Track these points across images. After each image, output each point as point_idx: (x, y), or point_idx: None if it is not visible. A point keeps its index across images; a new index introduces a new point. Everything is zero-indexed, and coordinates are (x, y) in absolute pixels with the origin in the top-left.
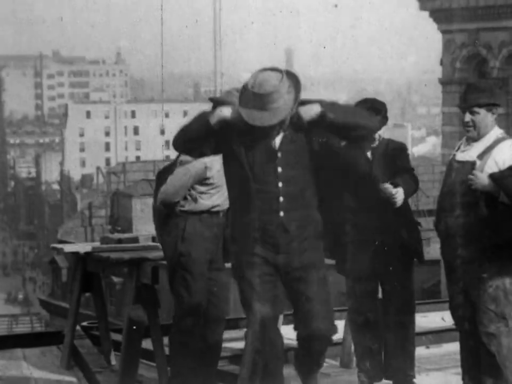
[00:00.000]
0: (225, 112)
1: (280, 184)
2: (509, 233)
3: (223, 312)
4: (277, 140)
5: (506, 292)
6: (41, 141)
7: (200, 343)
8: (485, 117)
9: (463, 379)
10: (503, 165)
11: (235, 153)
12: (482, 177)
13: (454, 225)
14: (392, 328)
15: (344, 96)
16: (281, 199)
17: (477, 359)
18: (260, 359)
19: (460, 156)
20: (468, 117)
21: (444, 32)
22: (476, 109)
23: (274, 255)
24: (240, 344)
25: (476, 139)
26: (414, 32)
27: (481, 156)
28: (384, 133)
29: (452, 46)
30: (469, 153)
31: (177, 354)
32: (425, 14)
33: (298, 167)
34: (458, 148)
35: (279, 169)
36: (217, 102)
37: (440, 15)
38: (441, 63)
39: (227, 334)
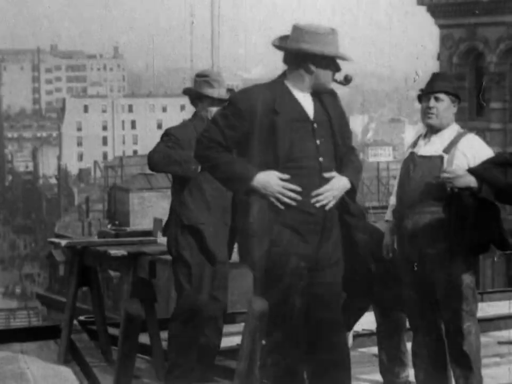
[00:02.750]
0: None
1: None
2: (492, 232)
3: (223, 305)
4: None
5: (474, 290)
6: (38, 135)
7: (199, 336)
8: (448, 106)
9: (416, 376)
10: (473, 158)
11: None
12: (461, 173)
13: (421, 223)
14: None
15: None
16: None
17: (435, 356)
18: (257, 354)
19: (424, 151)
20: (432, 103)
21: (441, 26)
22: (442, 96)
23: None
24: (237, 339)
25: (435, 128)
26: (411, 26)
27: (447, 149)
28: None
29: (449, 41)
30: (433, 148)
31: (176, 347)
32: (423, 8)
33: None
34: (415, 144)
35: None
36: (192, 94)
37: (437, 10)
38: (438, 57)
39: (224, 329)
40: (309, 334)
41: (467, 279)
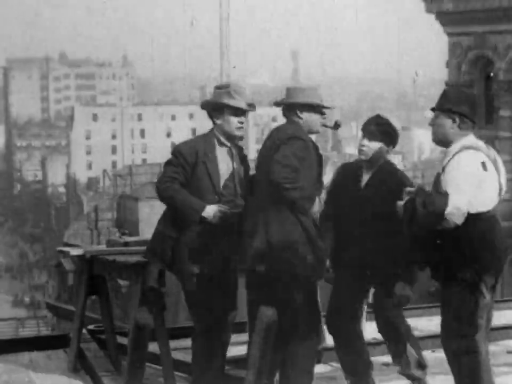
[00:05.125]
0: None
1: None
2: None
3: (234, 314)
4: None
5: (468, 311)
6: (47, 143)
7: (220, 345)
8: (447, 124)
9: None
10: (444, 172)
11: None
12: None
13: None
14: None
15: (349, 98)
16: None
17: None
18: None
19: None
20: (433, 120)
21: (449, 34)
22: (441, 114)
23: None
24: (246, 348)
25: (436, 143)
26: (420, 34)
27: (444, 168)
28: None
29: (458, 49)
30: (441, 166)
31: (200, 357)
32: (431, 16)
33: None
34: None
35: None
36: (210, 106)
37: (446, 18)
38: (447, 65)
39: (232, 338)
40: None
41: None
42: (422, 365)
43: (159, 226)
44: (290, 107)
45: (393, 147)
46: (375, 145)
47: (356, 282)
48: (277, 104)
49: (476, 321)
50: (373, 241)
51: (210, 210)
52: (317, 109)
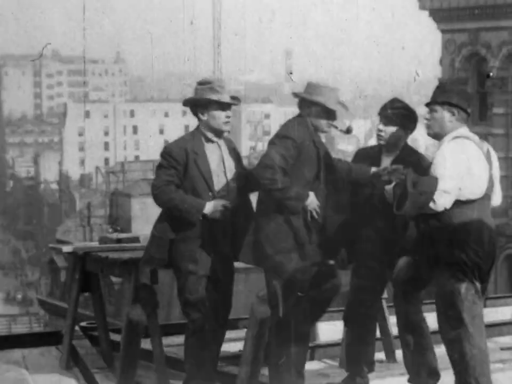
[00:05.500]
0: None
1: None
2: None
3: (229, 311)
4: None
5: (462, 297)
6: (40, 140)
7: (215, 343)
8: (442, 116)
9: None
10: (435, 158)
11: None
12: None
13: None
14: None
15: (344, 96)
16: None
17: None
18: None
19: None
20: (428, 113)
21: (443, 31)
22: (436, 107)
23: None
24: (239, 345)
25: (432, 136)
26: (413, 31)
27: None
28: None
29: (452, 46)
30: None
31: (195, 355)
32: (425, 13)
33: None
34: None
35: None
36: (194, 103)
37: (439, 15)
38: (441, 62)
39: (226, 335)
40: None
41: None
42: (434, 374)
43: (155, 231)
44: (302, 101)
45: (411, 131)
46: (391, 129)
47: (376, 274)
48: (294, 95)
49: (470, 309)
50: (393, 231)
51: (210, 207)
52: (324, 109)
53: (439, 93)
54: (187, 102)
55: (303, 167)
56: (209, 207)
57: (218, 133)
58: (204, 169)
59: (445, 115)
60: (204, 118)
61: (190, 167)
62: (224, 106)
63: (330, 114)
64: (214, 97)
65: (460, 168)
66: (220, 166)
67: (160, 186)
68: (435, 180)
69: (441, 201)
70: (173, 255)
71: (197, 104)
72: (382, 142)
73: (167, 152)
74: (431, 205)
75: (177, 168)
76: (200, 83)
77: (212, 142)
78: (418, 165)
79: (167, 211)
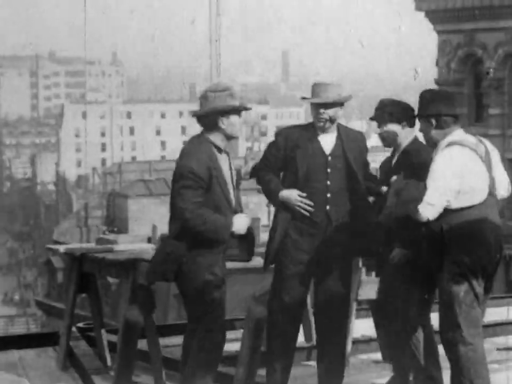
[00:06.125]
0: None
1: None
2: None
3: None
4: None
5: (460, 300)
6: (37, 141)
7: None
8: (424, 127)
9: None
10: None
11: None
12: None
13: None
14: None
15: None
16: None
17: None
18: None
19: None
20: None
21: (439, 32)
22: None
23: None
24: (236, 345)
25: (431, 147)
26: (409, 32)
27: None
28: None
29: (447, 47)
30: None
31: (200, 357)
32: (421, 14)
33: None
34: None
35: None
36: (217, 112)
37: (435, 16)
38: (437, 63)
39: None
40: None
41: (451, 288)
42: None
43: (168, 248)
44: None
45: (407, 122)
46: (386, 128)
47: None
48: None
49: (467, 313)
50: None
51: (238, 224)
52: (313, 105)
53: (418, 106)
54: (211, 112)
55: (291, 167)
56: (237, 224)
57: (230, 140)
58: (223, 185)
59: (426, 127)
60: (223, 126)
61: (213, 184)
62: (240, 112)
63: (317, 108)
64: (237, 103)
65: (451, 177)
66: (229, 175)
67: (193, 210)
68: (423, 188)
69: (426, 213)
70: (188, 270)
71: (219, 112)
72: (385, 144)
73: (191, 172)
74: (416, 215)
75: (204, 187)
76: (217, 90)
77: (221, 151)
78: (422, 166)
79: (197, 234)
